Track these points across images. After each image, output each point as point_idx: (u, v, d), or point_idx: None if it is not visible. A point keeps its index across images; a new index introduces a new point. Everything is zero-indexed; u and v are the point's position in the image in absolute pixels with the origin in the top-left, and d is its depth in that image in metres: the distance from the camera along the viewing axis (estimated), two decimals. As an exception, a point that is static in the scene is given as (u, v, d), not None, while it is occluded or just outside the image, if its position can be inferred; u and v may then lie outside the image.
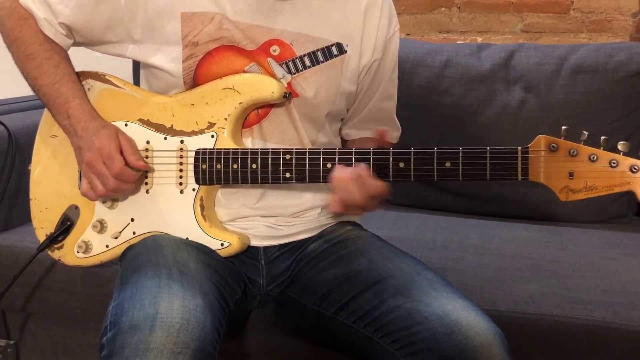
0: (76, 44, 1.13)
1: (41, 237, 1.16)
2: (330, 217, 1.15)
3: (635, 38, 1.94)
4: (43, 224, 1.15)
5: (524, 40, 2.00)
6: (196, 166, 1.04)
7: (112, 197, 1.09)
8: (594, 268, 1.30)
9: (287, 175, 1.00)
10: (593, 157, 0.88)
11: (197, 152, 1.04)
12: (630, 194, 1.70)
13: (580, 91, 1.64)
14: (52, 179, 1.15)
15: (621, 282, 1.23)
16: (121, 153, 1.03)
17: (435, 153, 0.95)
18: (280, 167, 1.01)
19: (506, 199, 1.69)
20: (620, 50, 1.66)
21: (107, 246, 1.10)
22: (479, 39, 2.05)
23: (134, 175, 1.04)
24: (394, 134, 1.22)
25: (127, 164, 1.03)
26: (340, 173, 0.96)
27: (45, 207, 1.15)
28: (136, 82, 1.19)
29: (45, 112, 1.16)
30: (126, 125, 1.09)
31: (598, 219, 1.66)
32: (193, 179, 1.05)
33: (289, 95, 1.05)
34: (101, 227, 1.10)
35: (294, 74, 1.06)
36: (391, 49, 1.13)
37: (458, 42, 2.03)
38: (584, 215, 1.66)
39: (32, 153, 1.18)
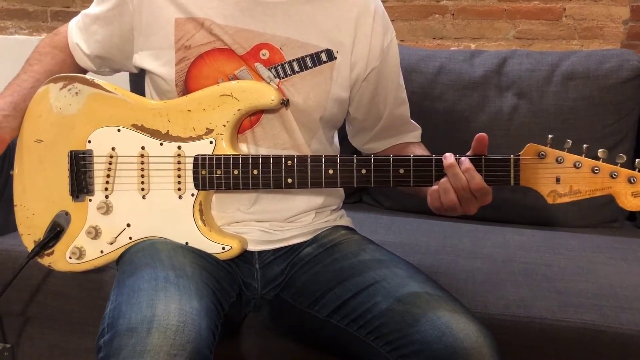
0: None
1: (28, 243, 1.14)
2: (324, 221, 1.17)
3: (626, 45, 1.97)
4: (30, 230, 1.14)
5: (517, 47, 2.02)
6: (195, 172, 1.06)
7: None
8: (584, 272, 1.32)
9: (289, 180, 1.02)
10: (578, 164, 0.95)
11: (195, 158, 1.06)
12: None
13: (571, 97, 1.66)
14: (39, 184, 1.14)
15: (611, 285, 1.25)
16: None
17: (434, 160, 0.98)
18: (282, 173, 1.02)
19: (499, 204, 1.69)
20: (611, 57, 1.68)
21: (101, 252, 1.11)
22: (473, 45, 2.08)
23: None
24: (416, 132, 1.24)
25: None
26: (450, 160, 0.96)
27: (32, 214, 1.14)
28: (134, 87, 1.20)
29: (26, 117, 1.14)
30: (119, 130, 1.09)
31: (590, 224, 1.68)
32: (192, 184, 1.06)
33: (287, 102, 1.07)
34: (96, 233, 1.10)
35: (283, 78, 1.08)
36: (391, 57, 1.16)
37: (452, 49, 2.05)
38: (576, 220, 1.69)
39: (14, 158, 1.17)
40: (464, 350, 0.89)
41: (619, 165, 0.94)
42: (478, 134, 0.97)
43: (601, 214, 1.70)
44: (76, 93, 1.12)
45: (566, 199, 0.96)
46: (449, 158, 0.97)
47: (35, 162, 1.14)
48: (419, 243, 1.48)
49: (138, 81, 1.20)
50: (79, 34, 1.19)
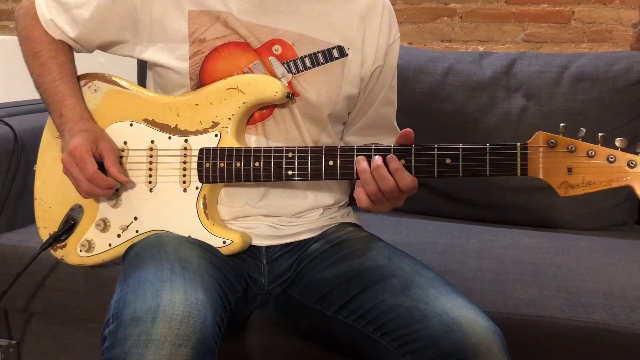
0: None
1: (44, 236, 1.17)
2: (331, 218, 1.16)
3: (635, 48, 1.95)
4: (47, 223, 1.16)
5: (526, 50, 2.01)
6: (200, 165, 1.06)
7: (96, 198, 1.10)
8: (594, 273, 1.30)
9: (290, 172, 1.02)
10: (591, 153, 0.89)
11: (200, 151, 1.06)
12: (632, 201, 1.72)
13: (580, 99, 1.65)
14: (57, 179, 1.16)
15: (621, 286, 1.24)
16: (102, 160, 1.05)
17: (436, 150, 0.96)
18: (282, 165, 1.02)
19: (507, 206, 1.70)
20: (621, 59, 1.67)
21: (109, 245, 1.11)
22: (481, 48, 2.07)
23: (106, 181, 1.04)
24: (392, 140, 1.23)
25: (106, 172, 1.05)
26: (363, 165, 0.96)
27: (49, 207, 1.16)
28: (141, 84, 1.20)
29: None
30: (131, 125, 1.11)
31: (599, 226, 1.67)
32: (196, 177, 1.06)
33: (291, 96, 1.07)
34: (104, 225, 1.11)
35: (295, 73, 1.08)
36: (391, 56, 1.15)
37: (460, 51, 2.05)
38: (585, 222, 1.67)
39: (38, 154, 1.20)
40: (472, 346, 0.88)
41: (639, 154, 0.87)
42: (404, 130, 0.95)
43: (610, 217, 1.68)
44: (95, 90, 1.14)
45: (579, 191, 0.89)
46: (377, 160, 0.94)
47: (55, 157, 1.16)
48: (427, 243, 1.47)
49: (145, 74, 1.20)
50: (60, 17, 1.12)
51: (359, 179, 0.99)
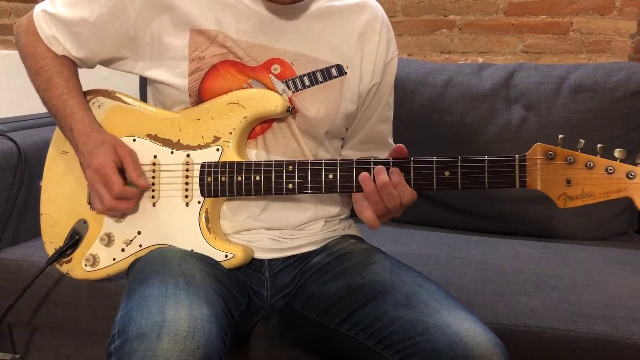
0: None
1: (50, 251, 1.18)
2: (332, 230, 1.17)
3: (633, 59, 1.97)
4: (52, 238, 1.17)
5: (524, 61, 2.03)
6: (201, 179, 1.07)
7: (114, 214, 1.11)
8: (595, 283, 1.31)
9: (290, 186, 1.03)
10: (590, 164, 0.89)
11: (202, 165, 1.07)
12: (631, 210, 1.73)
13: (580, 110, 1.66)
14: (62, 194, 1.17)
15: (622, 296, 1.24)
16: (123, 169, 1.06)
17: (435, 162, 0.97)
18: (283, 179, 1.03)
19: (508, 216, 1.71)
20: (619, 70, 1.68)
21: (114, 259, 1.12)
22: (480, 60, 2.09)
23: (134, 193, 1.06)
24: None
25: (128, 180, 1.05)
26: (369, 186, 0.97)
27: (55, 222, 1.17)
28: (143, 98, 1.22)
29: (57, 129, 1.19)
30: (134, 140, 1.12)
31: (599, 236, 1.67)
32: (199, 191, 1.07)
33: (291, 110, 1.08)
34: (108, 240, 1.12)
35: (294, 92, 1.09)
36: (388, 74, 1.16)
37: (459, 62, 2.06)
38: (585, 233, 1.68)
39: (44, 169, 1.21)
40: (474, 358, 0.88)
41: (638, 166, 0.87)
42: (397, 145, 0.97)
43: (610, 227, 1.69)
44: (99, 106, 1.16)
45: (578, 203, 0.89)
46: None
47: (60, 172, 1.18)
48: (428, 254, 1.47)
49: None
50: (61, 34, 1.12)
51: (358, 191, 1.00)
